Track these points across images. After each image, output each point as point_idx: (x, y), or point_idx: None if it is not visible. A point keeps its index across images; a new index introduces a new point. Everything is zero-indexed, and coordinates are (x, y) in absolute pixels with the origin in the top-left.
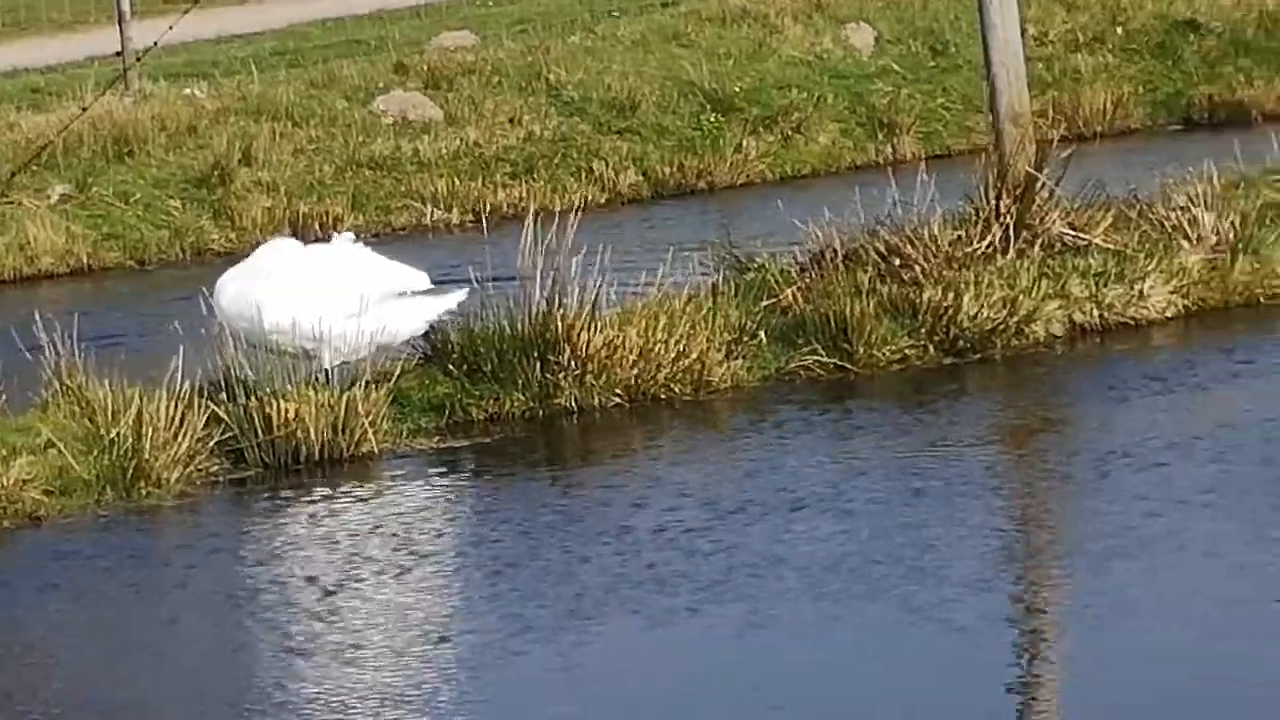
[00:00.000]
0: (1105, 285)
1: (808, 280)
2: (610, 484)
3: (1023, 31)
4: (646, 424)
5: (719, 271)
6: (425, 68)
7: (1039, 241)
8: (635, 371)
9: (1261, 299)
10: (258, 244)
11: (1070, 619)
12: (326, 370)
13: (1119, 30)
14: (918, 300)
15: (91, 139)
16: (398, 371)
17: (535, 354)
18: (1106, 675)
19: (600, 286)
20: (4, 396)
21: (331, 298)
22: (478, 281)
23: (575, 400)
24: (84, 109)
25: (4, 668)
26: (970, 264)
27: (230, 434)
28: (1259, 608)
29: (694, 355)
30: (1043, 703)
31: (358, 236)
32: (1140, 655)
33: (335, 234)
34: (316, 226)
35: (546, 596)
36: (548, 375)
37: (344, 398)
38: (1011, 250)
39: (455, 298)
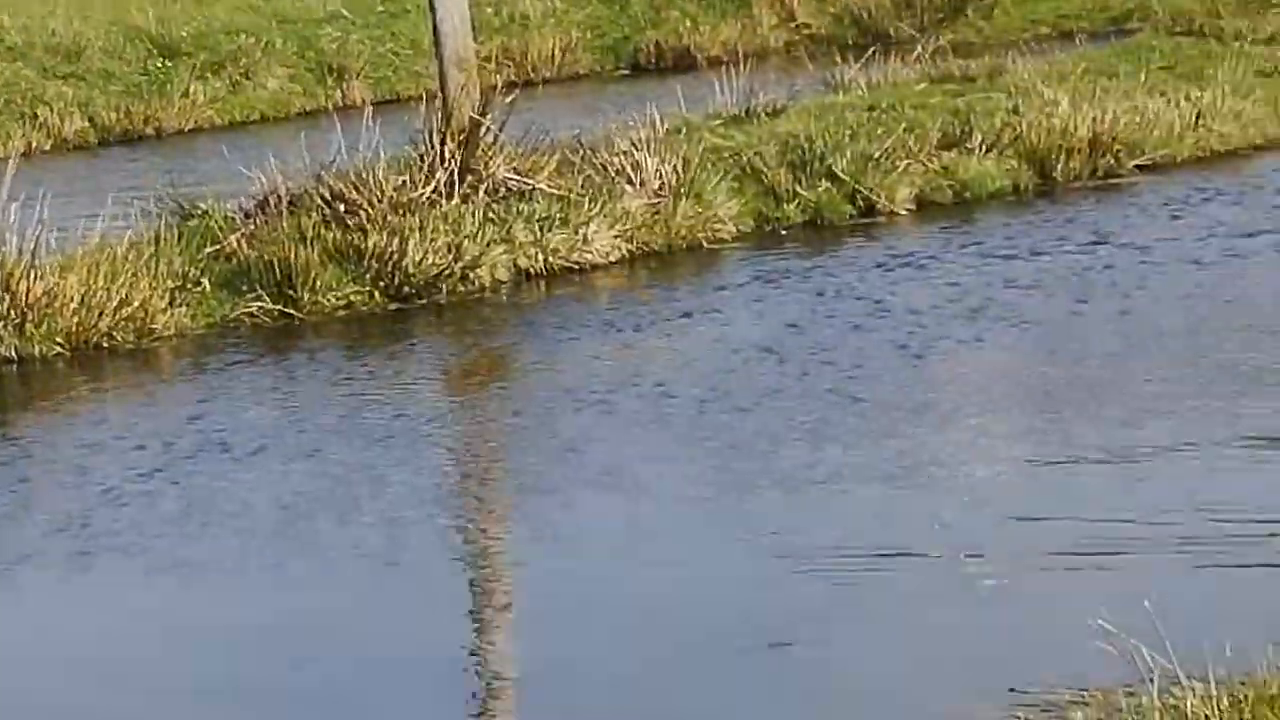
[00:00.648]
0: (549, 230)
1: (252, 226)
2: (50, 431)
3: None
4: (89, 372)
5: (162, 218)
6: None
7: (484, 187)
8: (76, 320)
9: (704, 242)
10: None
11: (511, 555)
12: None
13: None
14: (363, 246)
15: None
16: None
17: None
18: (544, 608)
19: (40, 234)
20: None
21: None
22: None
23: (15, 350)
24: None
25: None
26: (416, 209)
27: None
28: (688, 540)
29: (136, 303)
30: (486, 644)
31: None
32: (578, 589)
33: None
34: None
35: None
36: None
37: None
38: (456, 195)
39: None
